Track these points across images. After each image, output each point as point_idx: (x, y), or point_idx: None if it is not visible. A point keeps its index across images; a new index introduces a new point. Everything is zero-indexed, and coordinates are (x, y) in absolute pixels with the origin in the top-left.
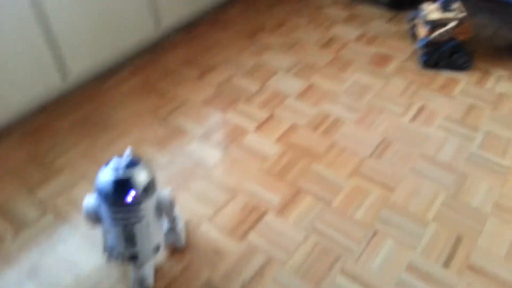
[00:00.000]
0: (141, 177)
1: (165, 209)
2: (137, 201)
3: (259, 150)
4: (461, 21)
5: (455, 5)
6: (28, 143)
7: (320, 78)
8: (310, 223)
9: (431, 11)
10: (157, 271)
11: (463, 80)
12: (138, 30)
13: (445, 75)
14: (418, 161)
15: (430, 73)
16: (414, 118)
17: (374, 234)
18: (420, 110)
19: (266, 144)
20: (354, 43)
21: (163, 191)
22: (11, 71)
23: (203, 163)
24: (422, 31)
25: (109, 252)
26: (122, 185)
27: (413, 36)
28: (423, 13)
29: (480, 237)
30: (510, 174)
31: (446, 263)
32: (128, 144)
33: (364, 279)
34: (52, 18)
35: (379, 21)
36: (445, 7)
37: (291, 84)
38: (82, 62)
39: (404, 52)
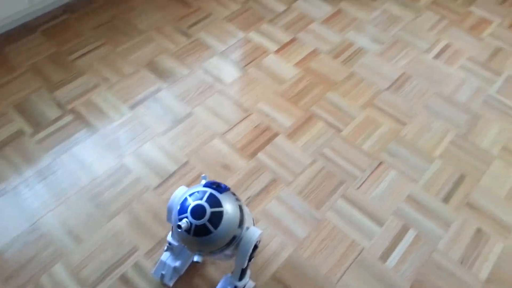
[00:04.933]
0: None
1: (242, 252)
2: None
3: (277, 73)
4: None
5: None
6: (51, 41)
7: (349, 4)
8: (318, 149)
9: None
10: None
11: (496, 22)
12: None
13: (478, 14)
14: (434, 99)
15: (464, 10)
16: (438, 55)
17: (379, 164)
18: (446, 48)
19: (285, 67)
20: None
21: (252, 230)
22: None
23: (221, 79)
24: None
25: None
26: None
27: None
28: None
29: (483, 178)
30: None
31: (446, 199)
32: (149, 53)
33: (363, 205)
34: None
35: None
36: None
37: (319, 8)
38: None
39: None
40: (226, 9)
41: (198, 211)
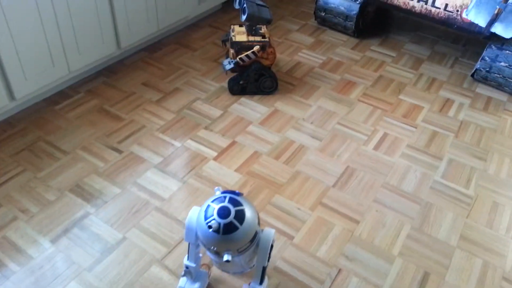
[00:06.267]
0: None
1: (262, 251)
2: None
3: (219, 180)
4: (265, 46)
5: (262, 30)
6: None
7: (283, 104)
8: (272, 262)
9: (238, 33)
10: None
11: (426, 108)
12: (96, 50)
13: (408, 102)
14: (382, 191)
15: (394, 100)
16: (378, 146)
17: (339, 272)
18: (384, 137)
19: (227, 174)
20: (318, 69)
21: (267, 230)
22: None
23: (157, 194)
24: (231, 53)
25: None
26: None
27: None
28: (231, 34)
29: (447, 273)
30: (474, 204)
31: None
32: (75, 175)
33: None
34: None
35: (344, 48)
36: (251, 30)
37: (254, 110)
38: (33, 83)
39: (368, 79)
40: (160, 119)
41: (224, 211)
